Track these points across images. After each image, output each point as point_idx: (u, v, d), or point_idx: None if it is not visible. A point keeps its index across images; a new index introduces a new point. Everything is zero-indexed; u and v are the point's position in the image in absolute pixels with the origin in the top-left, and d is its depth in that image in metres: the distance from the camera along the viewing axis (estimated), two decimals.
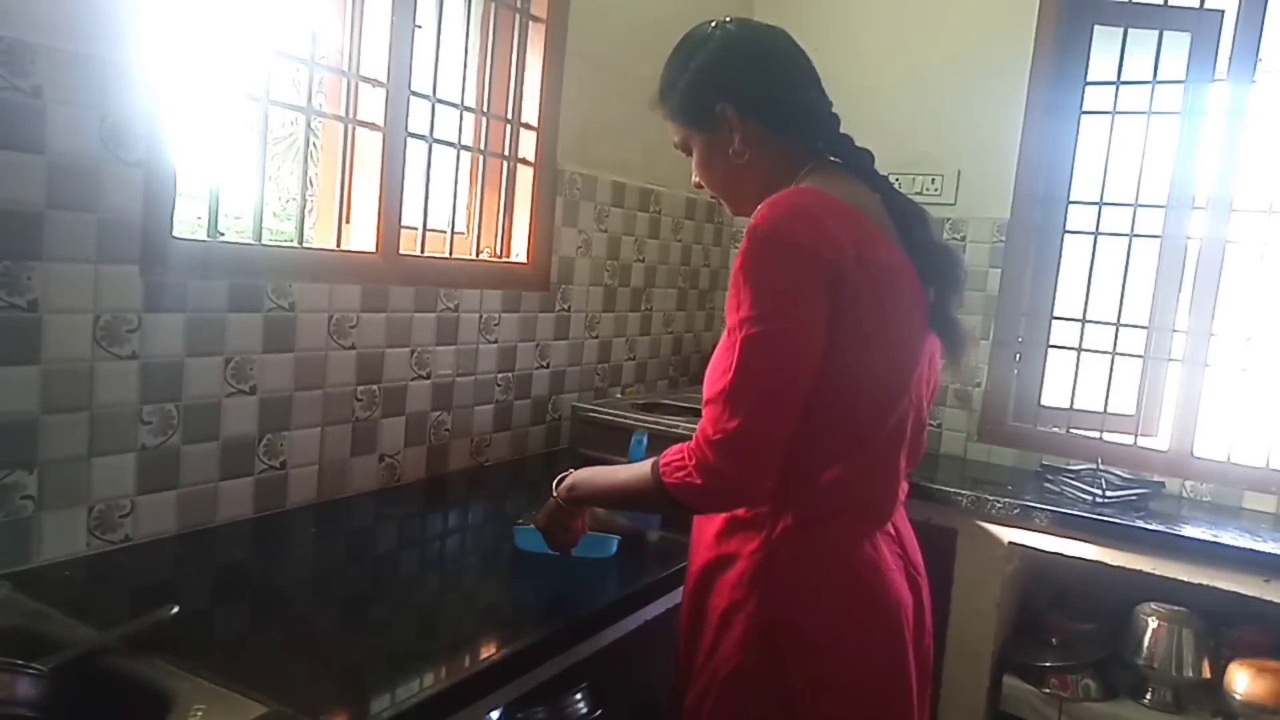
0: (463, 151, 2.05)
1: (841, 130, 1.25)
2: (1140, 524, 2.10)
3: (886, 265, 1.13)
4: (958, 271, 1.24)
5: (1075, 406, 2.64)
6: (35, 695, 0.91)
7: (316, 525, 1.65)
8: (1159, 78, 2.55)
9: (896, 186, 1.29)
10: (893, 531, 1.26)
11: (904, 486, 1.29)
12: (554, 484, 1.38)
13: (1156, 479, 2.38)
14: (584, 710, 1.39)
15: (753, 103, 1.21)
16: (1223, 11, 2.51)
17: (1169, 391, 2.60)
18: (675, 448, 1.13)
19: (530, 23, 2.19)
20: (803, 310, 1.07)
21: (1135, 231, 2.60)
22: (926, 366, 1.24)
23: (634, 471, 1.22)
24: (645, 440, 1.62)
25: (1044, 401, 2.73)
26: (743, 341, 1.06)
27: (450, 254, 2.04)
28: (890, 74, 2.80)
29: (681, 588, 1.33)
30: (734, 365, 1.06)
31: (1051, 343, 2.72)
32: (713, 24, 1.27)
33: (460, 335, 2.04)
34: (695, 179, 1.32)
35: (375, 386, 1.84)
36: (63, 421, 1.32)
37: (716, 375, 1.10)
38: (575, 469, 1.37)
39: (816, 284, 1.07)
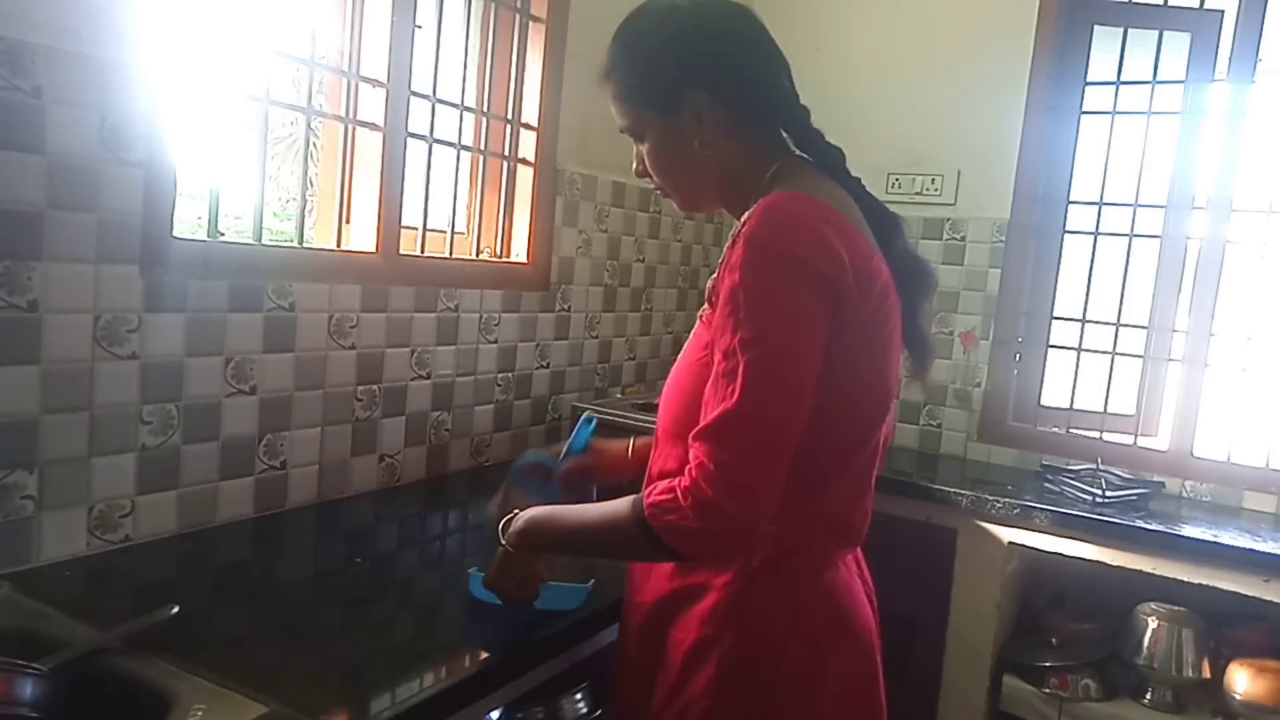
0: (463, 151, 2.05)
1: (814, 125, 1.15)
2: (1140, 524, 2.10)
3: (883, 284, 1.05)
4: (930, 282, 1.18)
5: (1075, 406, 2.64)
6: (36, 695, 0.91)
7: (317, 525, 1.65)
8: (1159, 78, 2.55)
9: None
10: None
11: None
12: (500, 528, 1.17)
13: (1156, 479, 2.38)
14: (584, 710, 1.39)
15: (726, 89, 1.09)
16: (1222, 11, 2.51)
17: (1169, 391, 2.60)
18: (661, 485, 0.99)
19: (530, 23, 2.19)
20: (808, 331, 0.98)
21: (1135, 231, 2.60)
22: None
23: (606, 512, 1.06)
24: (594, 422, 1.40)
25: (1044, 401, 2.72)
26: (747, 364, 0.95)
27: (450, 254, 2.04)
28: (890, 74, 2.79)
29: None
30: (738, 391, 0.95)
31: (1051, 343, 2.71)
32: None
33: (460, 335, 2.04)
34: (637, 167, 1.18)
35: (375, 386, 1.84)
36: (63, 421, 1.32)
37: (712, 402, 0.98)
38: (521, 508, 1.18)
39: (819, 301, 0.98)
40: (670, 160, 1.14)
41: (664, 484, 0.99)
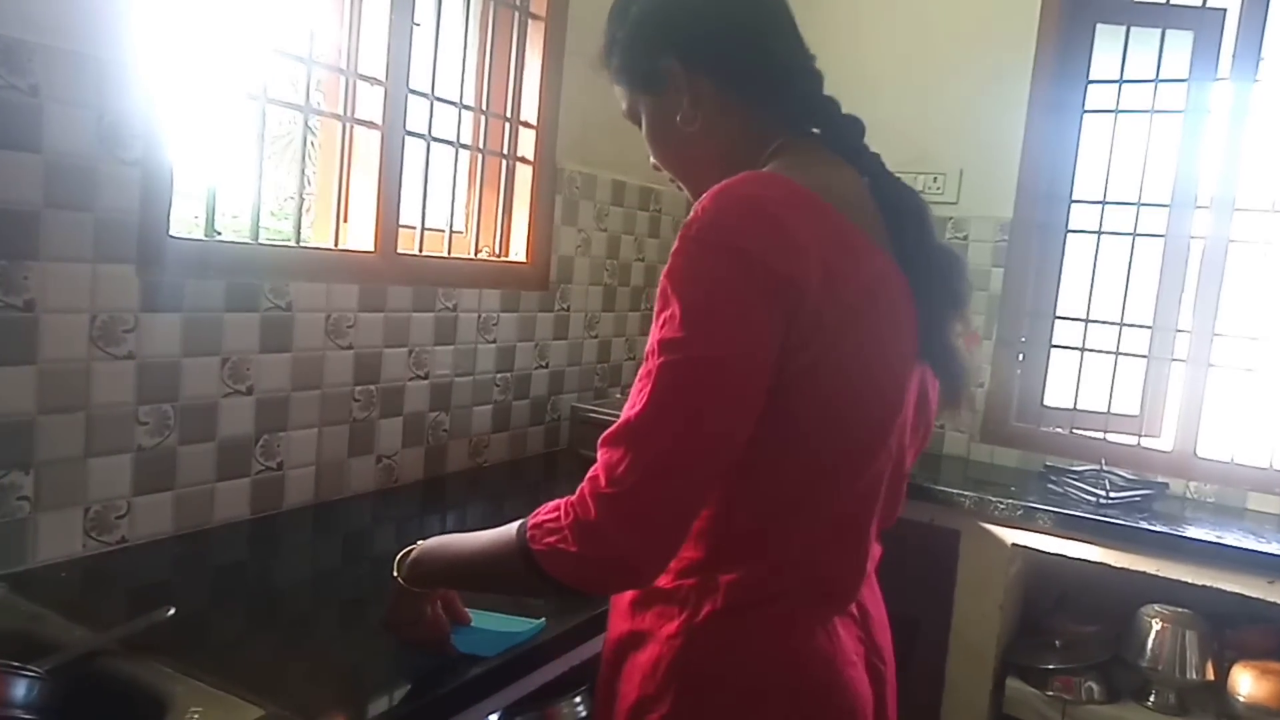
0: (461, 150, 2.04)
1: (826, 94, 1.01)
2: (1144, 525, 2.09)
3: (868, 281, 0.88)
4: (959, 285, 0.96)
5: (1079, 407, 2.63)
6: (31, 697, 0.91)
7: (314, 526, 1.64)
8: (1162, 76, 2.54)
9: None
10: (855, 612, 0.99)
11: (875, 553, 1.01)
12: (396, 561, 1.03)
13: (1160, 480, 2.37)
14: (583, 714, 1.38)
15: (703, 57, 0.97)
16: (1225, 10, 2.50)
17: (1173, 392, 2.59)
18: (552, 503, 0.85)
19: (529, 20, 2.18)
20: (744, 335, 0.81)
21: (1138, 230, 2.59)
22: (914, 408, 0.95)
23: (493, 537, 0.91)
24: None
25: (1047, 402, 2.71)
26: (660, 369, 0.81)
27: (449, 253, 2.04)
28: (892, 73, 2.78)
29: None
30: (646, 397, 0.81)
31: (1055, 342, 2.71)
32: None
33: (459, 335, 2.03)
34: (652, 158, 1.07)
35: (373, 387, 1.83)
36: (59, 422, 1.31)
37: (624, 407, 0.85)
38: (423, 539, 1.04)
39: (766, 302, 0.81)
40: (663, 143, 1.03)
41: (553, 502, 0.86)
